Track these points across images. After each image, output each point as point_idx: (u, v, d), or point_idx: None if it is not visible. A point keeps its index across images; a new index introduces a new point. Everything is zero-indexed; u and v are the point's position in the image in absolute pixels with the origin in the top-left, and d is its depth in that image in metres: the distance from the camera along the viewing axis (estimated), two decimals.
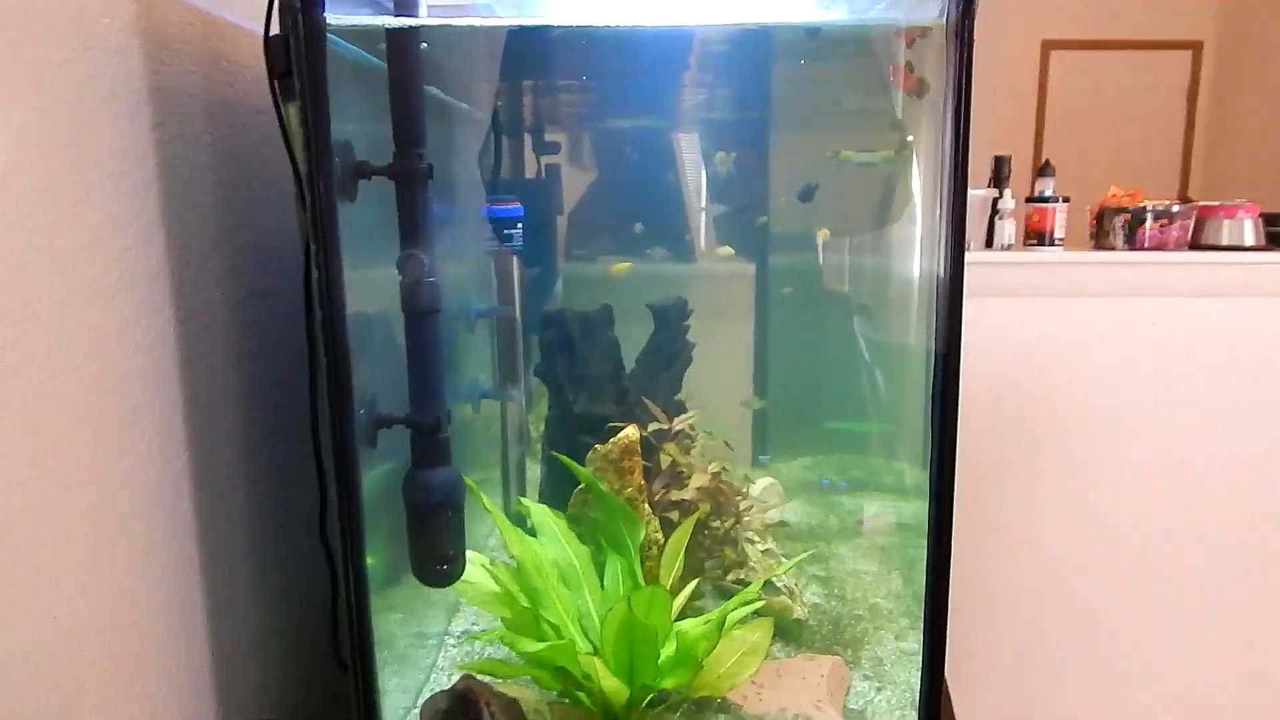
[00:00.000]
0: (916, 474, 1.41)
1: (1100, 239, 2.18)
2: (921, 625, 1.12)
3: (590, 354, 1.43)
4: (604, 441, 1.31)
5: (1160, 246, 2.11)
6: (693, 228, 1.79)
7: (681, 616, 1.20)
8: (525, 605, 1.12)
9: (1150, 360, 2.04)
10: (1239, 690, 2.16)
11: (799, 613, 1.38)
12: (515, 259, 1.55)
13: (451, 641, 1.35)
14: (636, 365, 1.52)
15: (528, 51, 1.39)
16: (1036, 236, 2.20)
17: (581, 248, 1.74)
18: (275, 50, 0.88)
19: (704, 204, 1.76)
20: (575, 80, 1.55)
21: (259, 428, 1.17)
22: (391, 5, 0.98)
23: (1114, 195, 2.20)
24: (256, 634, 1.15)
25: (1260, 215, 2.16)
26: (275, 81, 0.90)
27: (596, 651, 1.10)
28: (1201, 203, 2.17)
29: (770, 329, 1.92)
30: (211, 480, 1.04)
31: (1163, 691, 2.16)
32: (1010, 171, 2.23)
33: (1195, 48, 4.74)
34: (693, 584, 1.25)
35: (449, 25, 1.02)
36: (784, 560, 1.45)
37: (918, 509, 1.21)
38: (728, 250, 1.75)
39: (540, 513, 1.24)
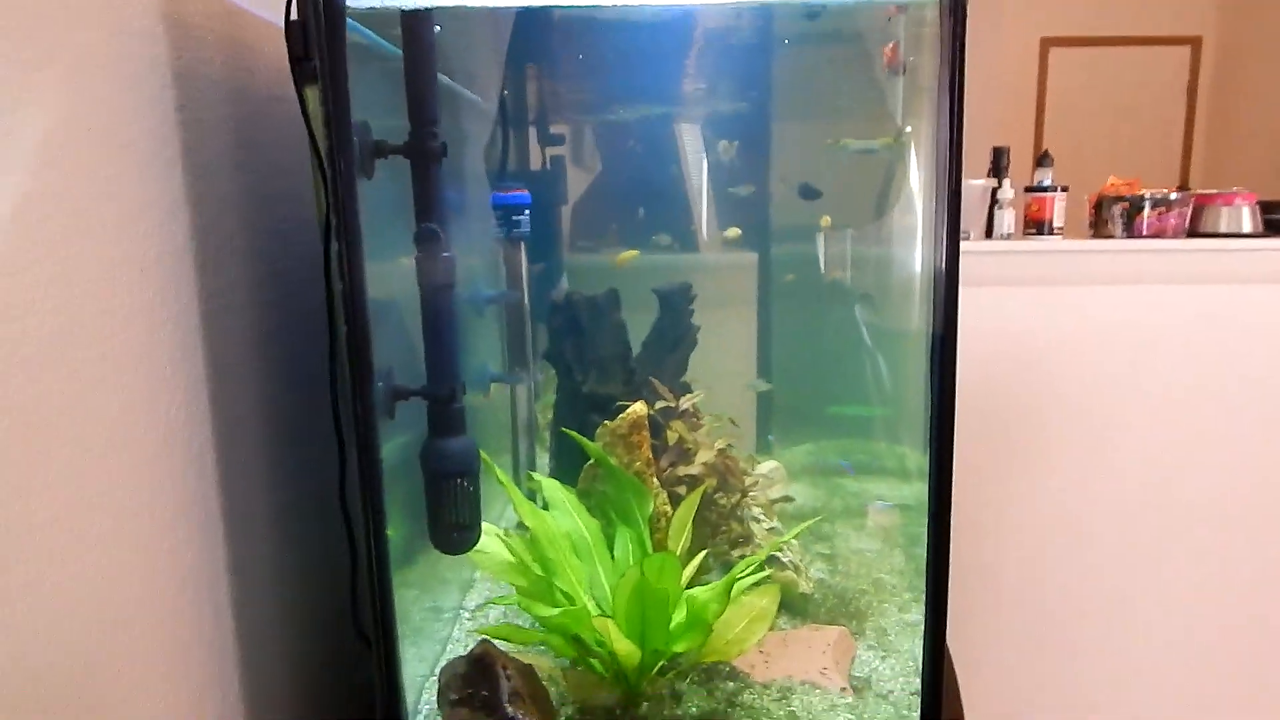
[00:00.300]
0: (919, 457, 1.44)
1: (1099, 228, 2.21)
2: (924, 597, 1.15)
3: (598, 336, 1.46)
4: (612, 420, 1.34)
5: (1158, 234, 2.13)
6: (695, 215, 1.83)
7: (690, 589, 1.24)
8: (539, 574, 1.16)
9: (1148, 346, 2.07)
10: (1237, 651, 2.18)
11: (804, 587, 1.42)
12: (523, 245, 1.59)
13: (467, 615, 1.38)
14: (643, 348, 1.56)
15: (535, 36, 1.42)
16: (1036, 226, 2.23)
17: (588, 235, 1.78)
18: (295, 34, 0.92)
19: (706, 191, 1.80)
20: (582, 65, 1.59)
21: (278, 405, 1.20)
22: None
23: (1112, 184, 2.23)
24: (278, 603, 1.18)
25: (1258, 203, 2.19)
26: (295, 64, 0.94)
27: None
28: (1199, 191, 2.20)
29: (773, 316, 1.95)
30: (234, 452, 1.07)
31: (1167, 670, 2.18)
32: (1009, 162, 2.26)
33: (1195, 43, 4.77)
34: (702, 554, 1.28)
35: (463, 6, 1.06)
36: (790, 542, 1.48)
37: (919, 490, 1.24)
38: (735, 231, 1.79)
39: (552, 487, 1.27)
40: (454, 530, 1.06)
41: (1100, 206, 2.20)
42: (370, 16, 1.01)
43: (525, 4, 1.18)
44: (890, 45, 1.39)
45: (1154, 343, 2.06)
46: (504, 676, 1.06)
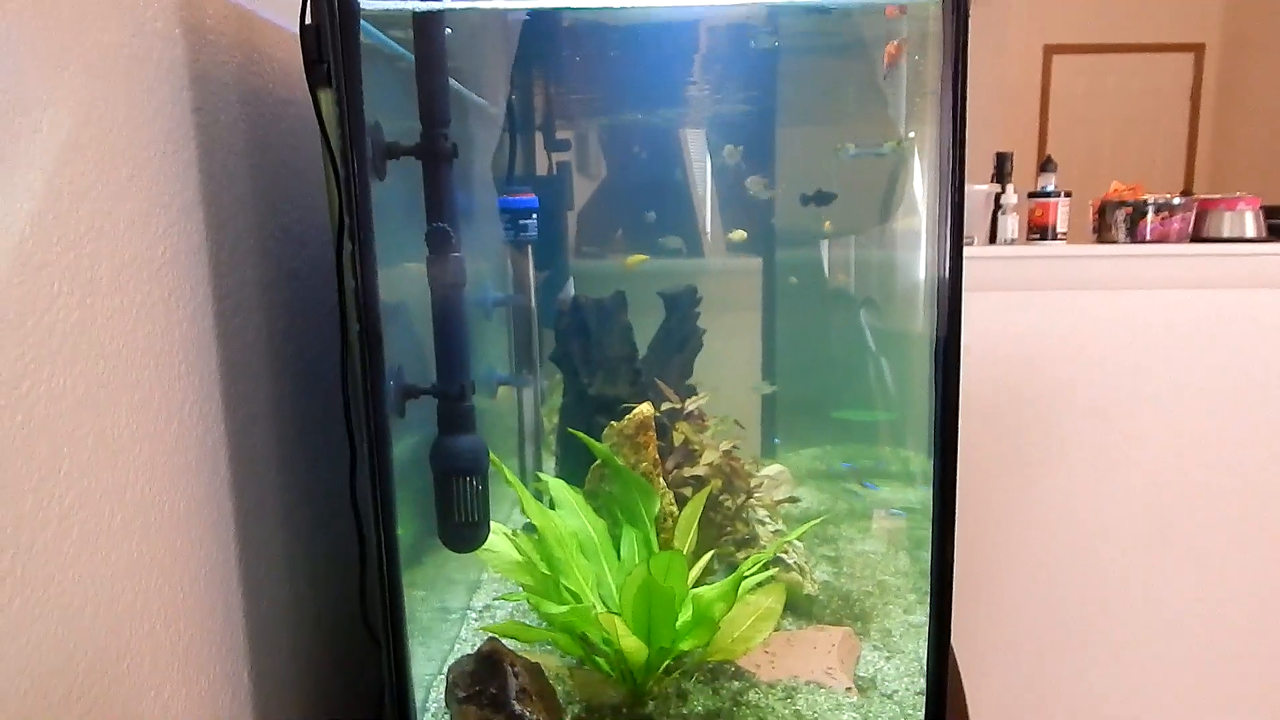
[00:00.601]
0: (924, 461, 1.44)
1: (1102, 233, 2.22)
2: (928, 599, 1.16)
3: (605, 338, 1.48)
4: (619, 421, 1.35)
5: (1162, 239, 2.14)
6: (701, 219, 1.84)
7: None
8: (546, 572, 1.16)
9: (1153, 350, 2.07)
10: (1246, 653, 2.18)
11: (809, 588, 1.42)
12: (530, 249, 1.60)
13: (474, 616, 1.39)
14: (649, 350, 1.57)
15: (543, 40, 1.43)
16: (1039, 231, 2.24)
17: (595, 239, 1.79)
18: (310, 37, 0.93)
19: (711, 195, 1.81)
20: (589, 70, 1.60)
21: (290, 403, 1.21)
22: None
23: (1115, 189, 2.24)
24: (288, 600, 1.19)
25: (1261, 207, 2.19)
26: (309, 67, 0.95)
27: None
28: (1202, 195, 2.21)
29: (778, 320, 1.96)
30: (245, 450, 1.09)
31: (1176, 674, 2.18)
32: (1012, 168, 2.27)
33: (1197, 50, 4.79)
34: (709, 555, 1.29)
35: (474, 9, 1.07)
36: (794, 544, 1.48)
37: (925, 495, 1.25)
38: (740, 234, 1.80)
39: (559, 487, 1.28)
40: (463, 527, 1.07)
41: (1104, 212, 2.20)
42: (379, 20, 1.03)
43: (534, 6, 1.20)
44: (893, 43, 1.40)
45: (1158, 347, 2.07)
46: (512, 674, 1.07)
